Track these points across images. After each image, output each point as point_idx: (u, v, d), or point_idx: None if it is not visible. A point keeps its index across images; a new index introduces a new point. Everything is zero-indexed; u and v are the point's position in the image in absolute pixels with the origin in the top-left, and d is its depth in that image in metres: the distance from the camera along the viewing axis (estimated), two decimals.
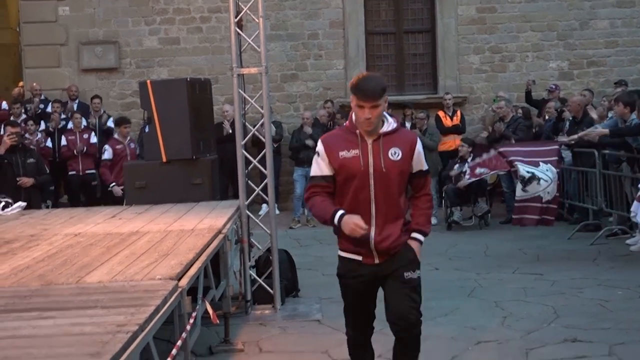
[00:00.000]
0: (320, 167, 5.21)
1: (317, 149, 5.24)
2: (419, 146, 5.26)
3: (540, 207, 10.87)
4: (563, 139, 12.76)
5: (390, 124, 5.21)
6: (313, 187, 5.26)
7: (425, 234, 5.36)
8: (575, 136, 11.94)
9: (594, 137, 11.61)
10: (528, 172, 10.84)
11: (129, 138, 14.04)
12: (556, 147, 11.28)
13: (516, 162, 11.00)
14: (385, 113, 5.23)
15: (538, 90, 16.27)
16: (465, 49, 17.00)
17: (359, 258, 5.26)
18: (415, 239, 5.31)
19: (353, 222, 5.02)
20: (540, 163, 10.90)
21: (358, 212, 5.06)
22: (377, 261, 5.23)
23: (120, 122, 14.17)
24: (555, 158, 11.04)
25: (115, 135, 14.19)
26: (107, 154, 13.78)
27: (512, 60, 17.07)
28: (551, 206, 10.92)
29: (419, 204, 5.37)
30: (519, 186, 10.93)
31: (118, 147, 13.80)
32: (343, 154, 5.13)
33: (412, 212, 5.36)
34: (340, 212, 5.10)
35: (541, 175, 10.79)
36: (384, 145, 5.13)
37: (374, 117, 5.03)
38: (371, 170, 5.10)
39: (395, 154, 5.14)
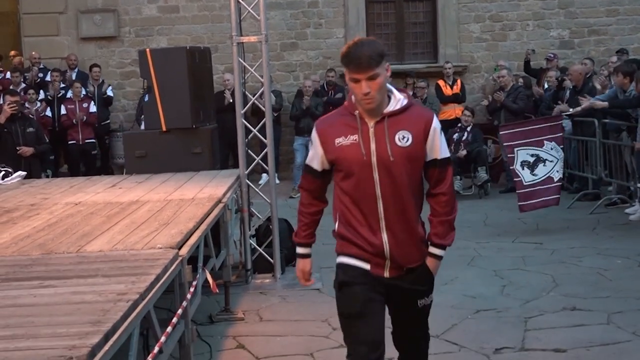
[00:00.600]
0: (312, 158, 4.37)
1: (311, 136, 4.42)
2: (435, 127, 4.22)
3: (556, 187, 10.82)
4: (562, 107, 12.72)
5: (398, 100, 4.20)
6: (303, 178, 4.49)
7: (445, 248, 4.34)
8: (579, 108, 11.86)
9: (595, 107, 11.58)
10: (532, 155, 10.78)
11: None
12: (559, 122, 11.16)
13: (515, 149, 10.92)
14: (392, 87, 4.25)
15: (538, 59, 16.21)
16: (465, 17, 16.91)
17: (367, 267, 4.22)
18: (434, 255, 4.32)
19: (299, 270, 4.50)
20: (545, 142, 10.81)
21: (363, 214, 4.19)
22: (386, 274, 4.22)
23: None
24: (560, 134, 10.94)
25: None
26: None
27: (513, 29, 16.99)
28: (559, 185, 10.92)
29: (436, 207, 4.31)
30: (526, 171, 10.84)
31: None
32: (340, 140, 4.17)
33: (429, 217, 4.34)
34: (303, 250, 4.47)
35: (546, 156, 10.73)
36: (390, 127, 4.14)
37: (374, 90, 4.04)
38: (374, 159, 4.13)
39: (404, 138, 4.15)
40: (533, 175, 10.81)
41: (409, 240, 4.22)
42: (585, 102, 11.65)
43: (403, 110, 4.19)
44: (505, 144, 11.24)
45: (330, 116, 4.40)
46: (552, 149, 10.75)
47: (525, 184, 10.87)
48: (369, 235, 4.19)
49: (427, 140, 4.19)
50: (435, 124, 4.23)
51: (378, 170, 4.13)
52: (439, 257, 4.34)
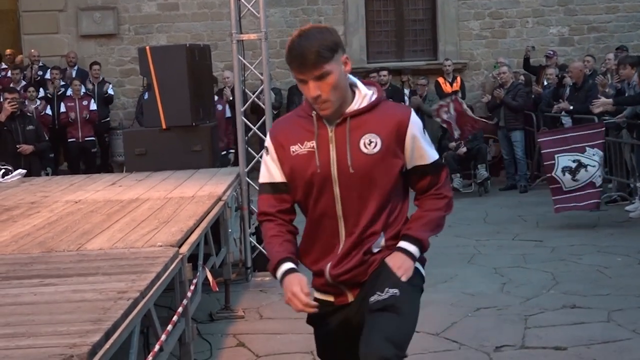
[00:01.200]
0: (269, 169, 3.55)
1: (265, 144, 3.61)
2: (413, 127, 3.44)
3: (597, 192, 10.77)
4: (562, 105, 12.64)
5: (365, 96, 3.44)
6: (261, 201, 3.61)
7: (419, 244, 3.53)
8: (601, 108, 11.66)
9: (603, 104, 11.49)
10: (574, 161, 10.73)
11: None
12: (602, 129, 11.02)
13: (556, 156, 10.86)
14: (356, 80, 3.50)
15: (538, 56, 16.20)
16: (465, 14, 16.90)
17: (331, 299, 3.61)
18: (399, 249, 3.48)
19: (291, 291, 3.42)
20: (587, 148, 10.74)
21: (323, 239, 3.50)
22: (351, 299, 3.56)
23: None
24: (602, 141, 10.83)
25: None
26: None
27: (513, 26, 16.98)
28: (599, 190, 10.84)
29: (423, 204, 3.59)
30: (567, 177, 10.78)
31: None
32: (295, 149, 3.44)
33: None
34: (286, 266, 3.48)
35: (587, 161, 10.66)
36: (353, 131, 3.39)
37: (326, 92, 3.32)
38: (334, 171, 3.40)
39: (370, 143, 3.39)
40: (574, 180, 10.73)
41: (367, 262, 3.48)
42: (598, 107, 11.54)
43: (370, 108, 3.42)
44: (544, 151, 11.13)
45: (286, 118, 3.66)
46: (594, 154, 10.68)
47: (565, 189, 10.77)
48: (323, 265, 3.52)
49: (406, 145, 3.44)
50: (413, 123, 3.45)
51: (339, 184, 3.41)
52: (407, 253, 3.47)
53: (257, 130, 9.06)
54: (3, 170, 9.17)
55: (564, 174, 10.77)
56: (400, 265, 3.43)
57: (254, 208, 9.16)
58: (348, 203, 3.42)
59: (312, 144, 3.42)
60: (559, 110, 12.63)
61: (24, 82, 14.97)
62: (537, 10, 16.94)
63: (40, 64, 15.80)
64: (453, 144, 13.71)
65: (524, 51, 16.15)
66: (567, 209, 10.83)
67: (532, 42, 16.53)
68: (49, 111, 14.75)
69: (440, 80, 15.72)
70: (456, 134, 13.34)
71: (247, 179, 8.88)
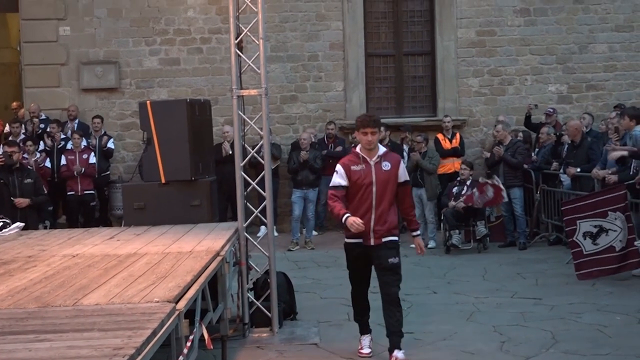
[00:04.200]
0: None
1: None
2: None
3: (616, 256, 10.71)
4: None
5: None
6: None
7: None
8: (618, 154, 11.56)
9: (614, 157, 11.44)
10: (595, 226, 10.73)
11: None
12: (623, 191, 10.98)
13: (578, 222, 10.86)
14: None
15: (537, 113, 16.28)
16: (464, 71, 17.04)
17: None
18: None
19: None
20: (609, 212, 10.72)
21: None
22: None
23: None
24: (623, 204, 10.77)
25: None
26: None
27: (512, 84, 17.11)
28: (630, 249, 10.70)
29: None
30: (587, 241, 10.78)
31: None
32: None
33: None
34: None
35: (609, 226, 10.64)
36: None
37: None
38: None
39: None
40: (594, 245, 10.72)
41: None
42: (616, 153, 11.46)
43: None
44: (566, 217, 11.14)
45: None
46: (616, 219, 10.63)
47: (585, 253, 10.76)
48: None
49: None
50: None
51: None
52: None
53: (256, 186, 9.06)
54: (1, 224, 9.16)
55: (584, 239, 10.77)
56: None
57: (251, 263, 9.14)
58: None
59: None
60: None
61: (23, 135, 15.01)
62: (536, 68, 17.08)
63: (42, 117, 15.85)
64: (452, 202, 13.72)
65: (524, 108, 16.24)
66: (589, 276, 10.79)
67: (531, 100, 16.64)
68: (48, 164, 14.78)
69: (440, 136, 15.79)
70: (477, 203, 13.44)
71: (246, 234, 8.86)
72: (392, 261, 7.36)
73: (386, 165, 7.41)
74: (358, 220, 7.21)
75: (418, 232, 7.77)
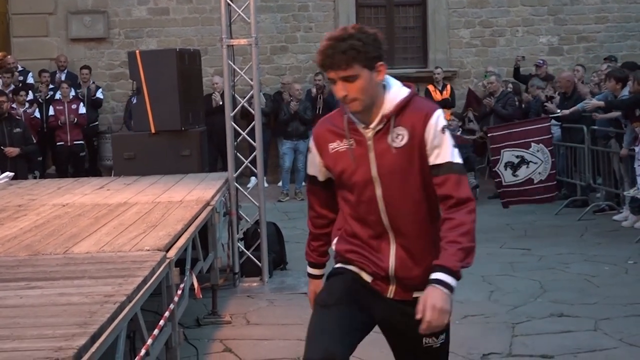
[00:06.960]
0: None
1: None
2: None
3: (533, 189, 10.86)
4: (550, 106, 12.71)
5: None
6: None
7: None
8: (567, 111, 11.90)
9: (591, 107, 11.62)
10: (517, 157, 10.81)
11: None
12: (547, 124, 11.19)
13: (502, 151, 10.97)
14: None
15: (527, 65, 16.24)
16: (455, 22, 16.94)
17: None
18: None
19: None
20: (532, 144, 10.84)
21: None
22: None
23: None
24: (548, 136, 10.95)
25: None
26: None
27: (503, 35, 17.02)
28: (547, 184, 10.89)
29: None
30: (508, 171, 10.89)
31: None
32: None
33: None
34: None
35: (530, 157, 10.76)
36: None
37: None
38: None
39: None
40: (514, 176, 10.88)
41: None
42: (581, 104, 11.67)
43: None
44: (492, 146, 11.28)
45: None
46: (538, 150, 10.78)
47: (504, 184, 10.99)
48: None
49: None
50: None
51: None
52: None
53: (246, 136, 9.05)
54: None
55: (505, 169, 10.94)
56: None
57: (242, 213, 9.16)
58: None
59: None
60: (549, 112, 12.66)
61: (13, 86, 14.89)
62: (527, 19, 17.00)
63: (20, 69, 15.64)
64: None
65: (514, 60, 16.19)
66: (510, 204, 11.04)
67: (522, 52, 16.58)
68: (37, 114, 14.69)
69: (431, 88, 15.74)
70: None
71: (236, 184, 8.87)
72: (430, 343, 3.84)
73: (400, 137, 3.45)
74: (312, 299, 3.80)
75: (444, 278, 3.41)
